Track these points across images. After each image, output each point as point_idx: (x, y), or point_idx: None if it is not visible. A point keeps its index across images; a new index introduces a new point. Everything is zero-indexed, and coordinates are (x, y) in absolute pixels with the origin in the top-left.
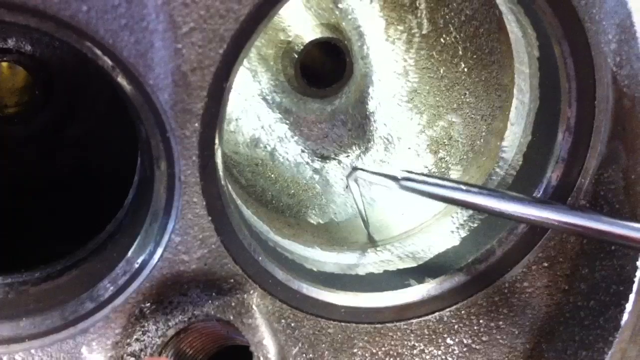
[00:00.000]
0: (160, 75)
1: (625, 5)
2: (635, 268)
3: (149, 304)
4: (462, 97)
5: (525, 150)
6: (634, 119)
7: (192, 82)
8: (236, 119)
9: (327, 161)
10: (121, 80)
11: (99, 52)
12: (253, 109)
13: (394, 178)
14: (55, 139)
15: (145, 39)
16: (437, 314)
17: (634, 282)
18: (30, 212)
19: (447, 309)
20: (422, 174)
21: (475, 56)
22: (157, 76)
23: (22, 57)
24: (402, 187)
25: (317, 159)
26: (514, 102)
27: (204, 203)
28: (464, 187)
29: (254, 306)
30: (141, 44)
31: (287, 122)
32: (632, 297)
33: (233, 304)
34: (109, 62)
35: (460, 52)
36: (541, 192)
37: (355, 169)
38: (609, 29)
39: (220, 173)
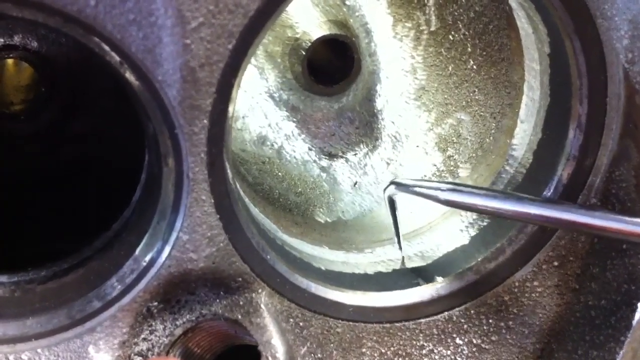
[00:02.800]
0: (169, 71)
1: (638, 2)
2: None
3: (156, 302)
4: (471, 94)
5: (536, 148)
6: None
7: (200, 78)
8: (243, 117)
9: (335, 159)
10: (129, 76)
11: (106, 48)
12: (260, 106)
13: (437, 190)
14: (60, 136)
15: (153, 34)
16: (446, 313)
17: None
18: (35, 210)
19: (457, 309)
20: (469, 185)
21: (484, 53)
22: (165, 72)
23: (28, 53)
24: (445, 201)
25: (324, 157)
26: (524, 99)
27: (212, 201)
28: (515, 198)
29: (262, 305)
30: (149, 39)
31: (294, 120)
32: None
33: (241, 302)
34: (117, 57)
35: (469, 49)
36: (551, 191)
37: (394, 183)
38: (621, 25)
39: (229, 170)
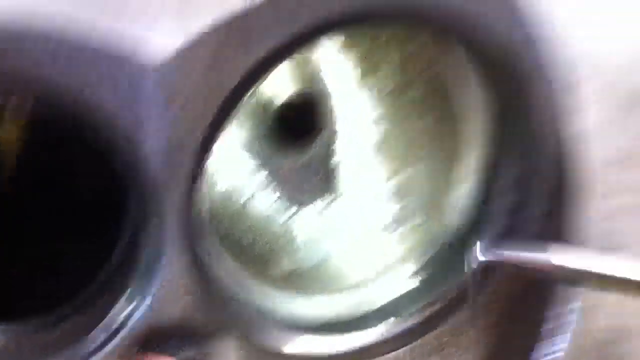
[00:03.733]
0: (151, 145)
1: None
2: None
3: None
4: (428, 147)
5: (482, 200)
6: None
7: (182, 147)
8: (215, 171)
9: (300, 208)
10: (109, 148)
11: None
12: (230, 159)
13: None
14: (36, 202)
15: (136, 111)
16: (393, 353)
17: None
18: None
19: (401, 349)
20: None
21: (442, 109)
22: (147, 146)
23: None
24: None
25: (291, 206)
26: (473, 155)
27: (188, 258)
28: None
29: (232, 353)
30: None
31: (264, 171)
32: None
33: (213, 351)
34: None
35: (427, 107)
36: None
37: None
38: None
39: (205, 229)
